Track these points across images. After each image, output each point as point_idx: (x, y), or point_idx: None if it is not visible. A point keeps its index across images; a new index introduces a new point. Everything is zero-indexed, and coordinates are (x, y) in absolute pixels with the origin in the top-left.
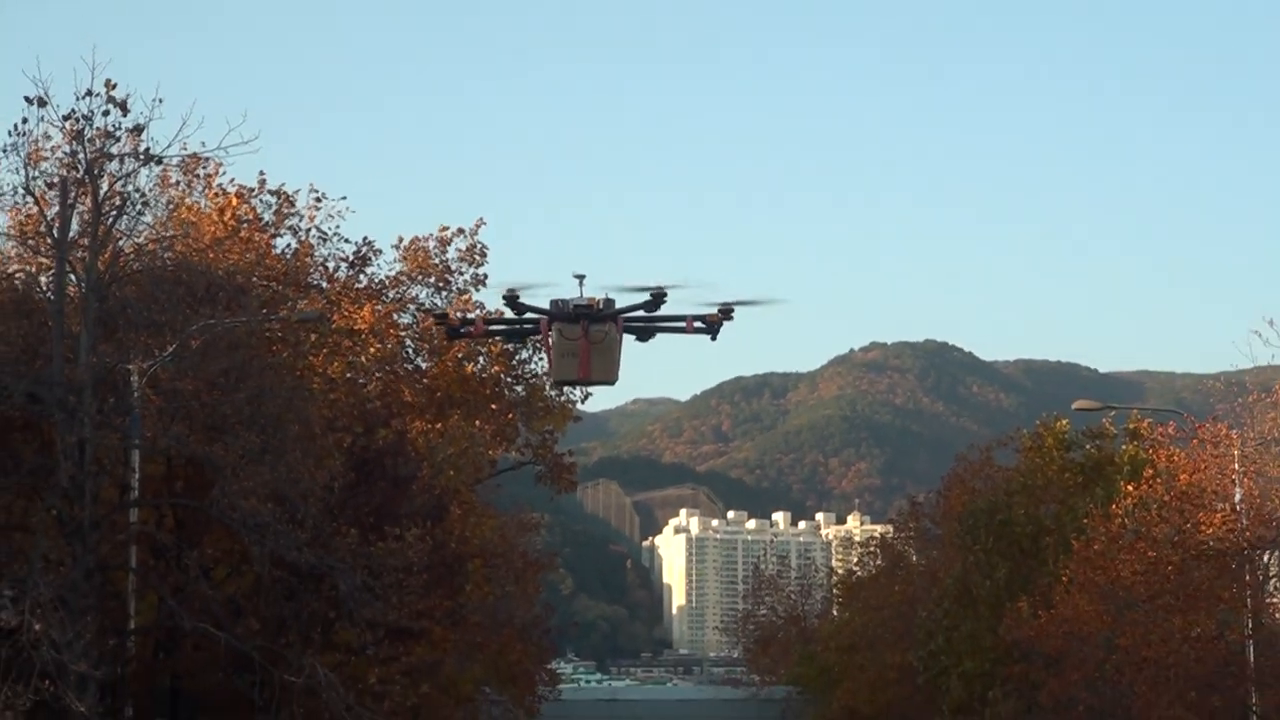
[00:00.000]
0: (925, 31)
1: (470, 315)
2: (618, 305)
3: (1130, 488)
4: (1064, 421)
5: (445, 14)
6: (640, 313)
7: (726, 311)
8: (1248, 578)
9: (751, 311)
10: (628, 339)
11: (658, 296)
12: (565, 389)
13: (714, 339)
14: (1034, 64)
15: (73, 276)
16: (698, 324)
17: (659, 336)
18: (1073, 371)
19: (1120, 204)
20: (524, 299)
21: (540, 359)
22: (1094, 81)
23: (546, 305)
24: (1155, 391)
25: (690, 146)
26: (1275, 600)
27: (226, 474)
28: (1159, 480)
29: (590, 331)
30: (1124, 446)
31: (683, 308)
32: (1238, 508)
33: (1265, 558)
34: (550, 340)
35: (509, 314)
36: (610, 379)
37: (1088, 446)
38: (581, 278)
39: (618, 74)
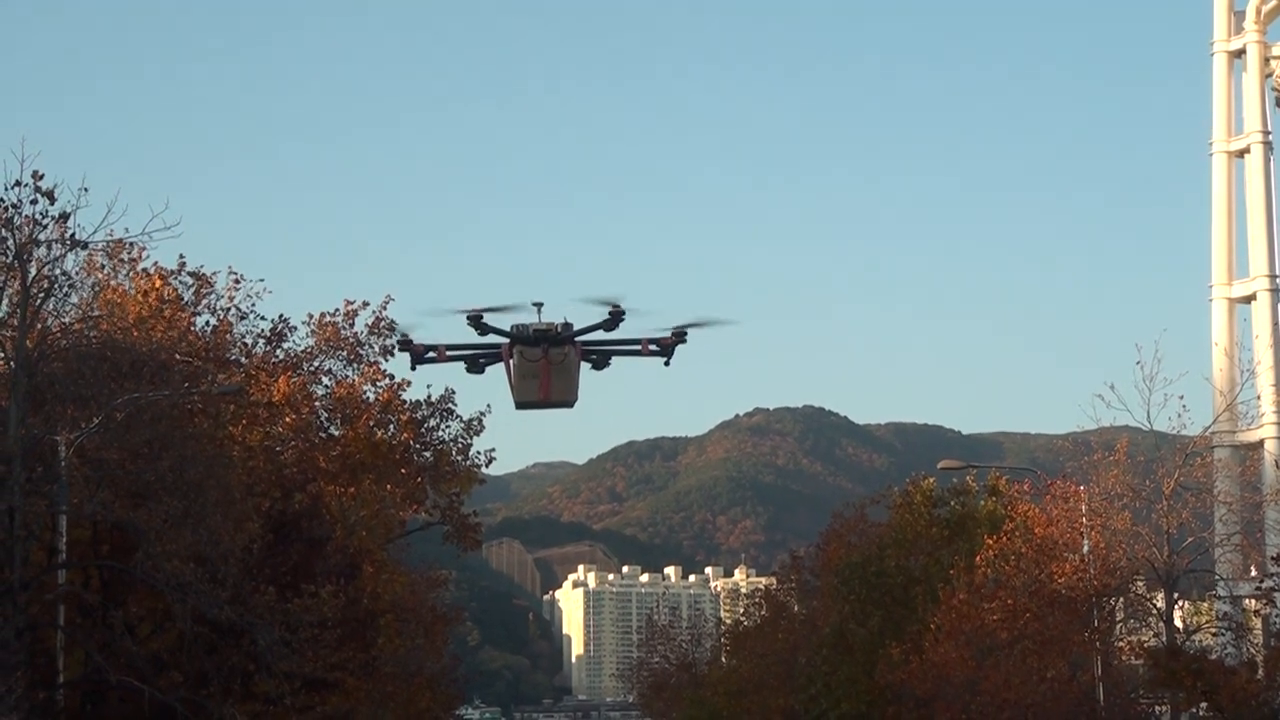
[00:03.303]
0: (804, 97)
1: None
2: (576, 328)
3: (991, 541)
4: (931, 480)
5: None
6: (600, 334)
7: (680, 334)
8: (1096, 623)
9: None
10: (584, 367)
11: (615, 314)
12: (471, 454)
13: (668, 362)
14: (906, 136)
15: (2, 354)
16: (652, 346)
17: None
18: (938, 433)
19: (980, 278)
20: (486, 320)
21: (447, 426)
22: (956, 159)
23: (507, 329)
24: (1012, 451)
25: (580, 227)
26: (1121, 643)
27: (150, 537)
28: (1016, 534)
29: (550, 354)
30: (983, 502)
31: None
32: (1086, 558)
33: (1111, 603)
34: (512, 363)
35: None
36: (570, 399)
37: (952, 503)
38: (539, 305)
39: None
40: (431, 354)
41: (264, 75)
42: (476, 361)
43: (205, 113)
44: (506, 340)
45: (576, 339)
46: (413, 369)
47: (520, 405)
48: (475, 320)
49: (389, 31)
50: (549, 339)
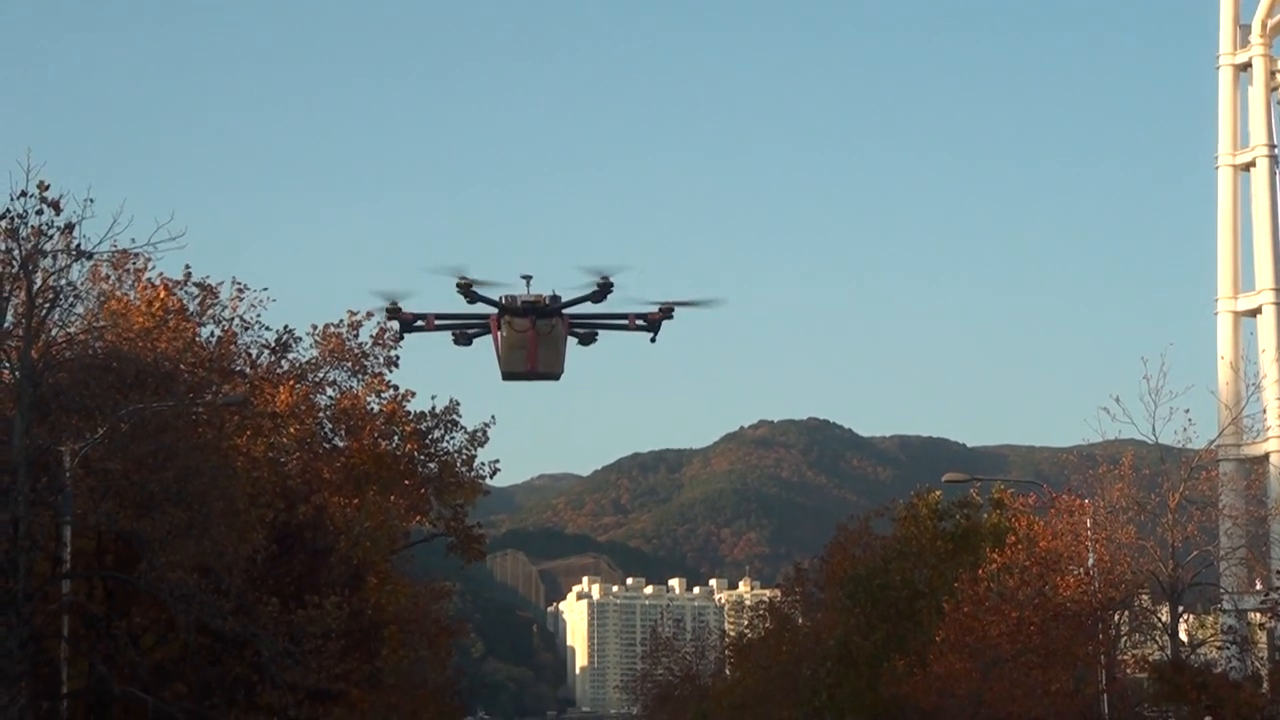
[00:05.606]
0: (815, 119)
1: (422, 312)
2: (564, 299)
3: (995, 554)
4: (937, 493)
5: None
6: (587, 306)
7: (667, 311)
8: (1100, 636)
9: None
10: (571, 342)
11: (604, 285)
12: (475, 466)
13: (654, 339)
14: (912, 152)
15: (7, 364)
16: (639, 322)
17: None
18: (943, 446)
19: (985, 291)
20: (476, 289)
21: (451, 438)
22: (961, 173)
23: (496, 300)
24: (1017, 464)
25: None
26: (1126, 657)
27: (154, 548)
28: (1020, 546)
29: (538, 325)
30: (987, 515)
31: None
32: (1090, 571)
33: (1116, 617)
34: (500, 334)
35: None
36: (556, 371)
37: (957, 516)
38: (528, 278)
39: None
40: (420, 322)
41: (268, 86)
42: (465, 332)
43: (212, 123)
44: (495, 311)
45: (564, 311)
46: (400, 338)
47: (507, 376)
48: (465, 288)
49: (386, 36)
50: (537, 310)
